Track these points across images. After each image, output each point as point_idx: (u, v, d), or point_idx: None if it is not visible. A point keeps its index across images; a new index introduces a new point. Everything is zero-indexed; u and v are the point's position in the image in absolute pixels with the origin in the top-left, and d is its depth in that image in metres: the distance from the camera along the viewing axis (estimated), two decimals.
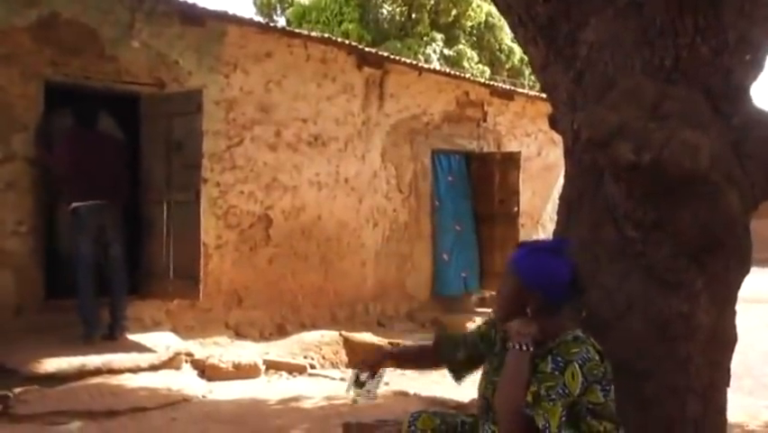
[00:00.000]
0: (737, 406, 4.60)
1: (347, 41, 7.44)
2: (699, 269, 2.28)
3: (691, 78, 2.36)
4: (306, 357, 6.04)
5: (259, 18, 15.07)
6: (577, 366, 1.86)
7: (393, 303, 7.68)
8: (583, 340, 1.95)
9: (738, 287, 2.42)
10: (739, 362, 6.09)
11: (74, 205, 5.02)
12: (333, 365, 6.23)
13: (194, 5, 5.72)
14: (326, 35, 7.58)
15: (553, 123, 3.04)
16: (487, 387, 2.07)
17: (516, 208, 8.31)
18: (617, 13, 2.55)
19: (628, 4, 2.52)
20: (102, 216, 5.08)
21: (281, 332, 6.57)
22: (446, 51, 19.14)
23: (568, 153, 2.76)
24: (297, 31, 7.29)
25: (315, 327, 6.74)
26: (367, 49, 7.84)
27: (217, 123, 6.12)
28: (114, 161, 5.19)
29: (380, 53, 7.78)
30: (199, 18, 5.85)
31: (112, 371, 4.74)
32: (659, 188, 2.20)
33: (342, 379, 5.52)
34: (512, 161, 8.51)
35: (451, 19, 19.49)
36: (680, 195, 2.21)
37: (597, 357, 1.91)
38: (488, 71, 18.80)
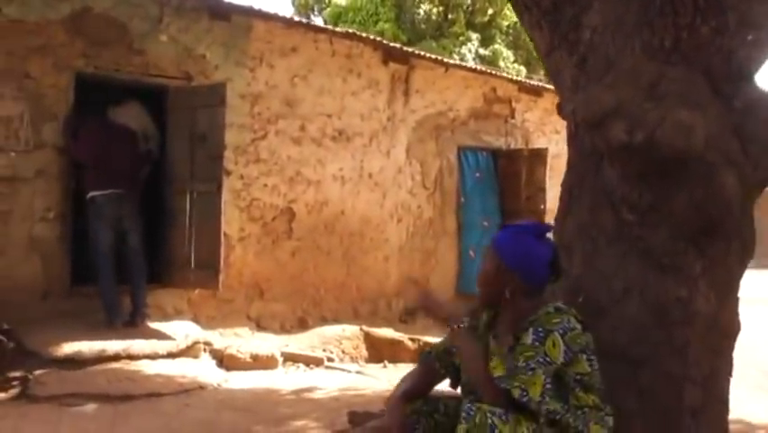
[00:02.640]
0: (765, 406, 4.47)
1: (372, 37, 7.45)
2: (698, 252, 2.23)
3: (691, 58, 2.30)
4: (325, 351, 6.08)
5: (297, 17, 15.27)
6: (558, 335, 1.87)
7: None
8: (565, 311, 1.97)
9: (741, 273, 2.35)
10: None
11: (91, 194, 5.15)
12: (353, 360, 6.25)
13: (220, 0, 5.81)
14: (351, 30, 7.59)
15: (560, 109, 3.01)
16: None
17: (542, 205, 8.19)
18: None
19: None
20: (119, 205, 5.20)
21: (302, 325, 6.61)
22: (482, 51, 19.02)
23: (570, 139, 2.72)
24: (322, 26, 7.33)
25: (336, 321, 6.77)
26: (392, 44, 7.83)
27: (242, 116, 6.20)
28: (132, 152, 5.30)
29: (405, 49, 7.78)
30: (226, 13, 5.95)
31: (130, 356, 4.83)
32: (653, 168, 2.15)
33: (359, 372, 5.54)
34: (539, 157, 8.40)
35: (487, 18, 19.38)
36: (675, 176, 2.16)
37: (578, 327, 1.92)
38: (524, 70, 18.62)
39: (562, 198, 2.68)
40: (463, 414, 1.84)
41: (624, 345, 2.22)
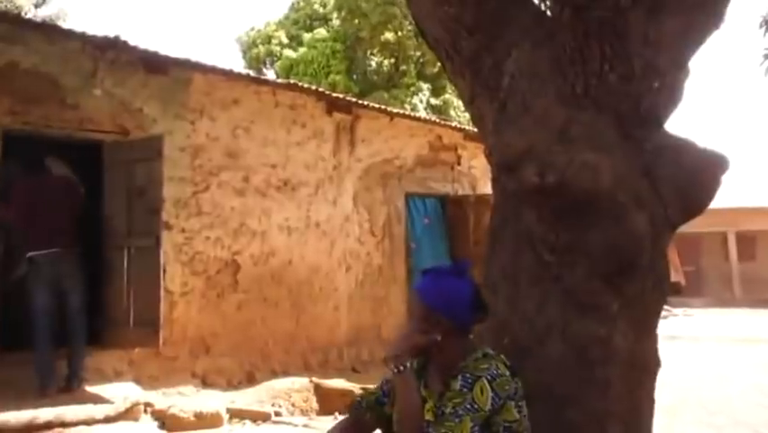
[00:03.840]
0: None
1: (315, 87, 7.55)
2: (615, 292, 2.26)
3: (602, 104, 2.39)
4: (274, 405, 5.93)
5: (248, 71, 15.36)
6: (486, 381, 1.86)
7: (368, 348, 7.57)
8: (492, 357, 1.97)
9: (658, 310, 2.39)
10: (715, 398, 6.04)
11: (30, 254, 4.98)
12: (304, 412, 6.11)
13: (157, 54, 5.83)
14: (293, 81, 7.68)
15: (487, 154, 3.07)
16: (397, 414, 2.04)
17: None
18: (534, 44, 2.61)
19: (544, 36, 2.58)
20: (59, 264, 5.04)
21: (251, 380, 6.45)
22: (433, 101, 19.47)
23: (494, 182, 2.77)
24: (264, 78, 7.40)
25: (286, 373, 6.63)
26: (335, 95, 7.94)
27: (182, 169, 6.15)
28: (69, 208, 5.18)
29: (349, 99, 7.90)
30: (163, 66, 5.95)
31: (64, 424, 4.61)
32: (567, 209, 2.20)
33: (306, 425, 5.40)
34: (486, 203, 8.50)
35: (437, 69, 19.88)
36: (588, 216, 2.20)
37: (507, 373, 1.93)
38: None
39: (488, 241, 2.72)
40: None
41: (548, 384, 2.22)
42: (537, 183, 2.16)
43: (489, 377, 1.87)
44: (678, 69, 2.44)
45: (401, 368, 1.92)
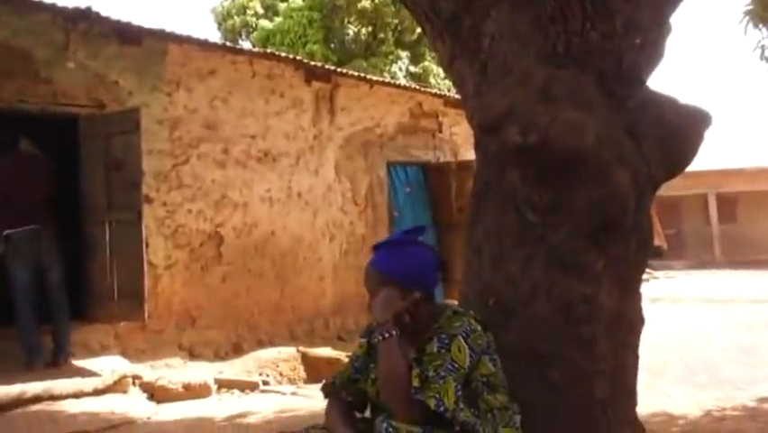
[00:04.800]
0: (688, 399, 4.65)
1: (292, 56, 7.45)
2: (599, 250, 2.28)
3: (583, 62, 2.38)
4: (261, 374, 5.97)
5: (224, 42, 15.08)
6: (461, 339, 1.87)
7: (354, 317, 7.61)
8: (463, 313, 1.98)
9: (642, 269, 2.42)
10: (697, 358, 6.18)
11: (6, 232, 4.91)
12: (291, 381, 6.16)
13: (130, 25, 5.69)
14: (270, 51, 7.57)
15: (468, 118, 3.06)
16: (373, 387, 2.03)
17: None
18: (513, 4, 2.58)
19: None
20: (36, 241, 4.98)
21: (237, 351, 6.47)
22: (412, 69, 19.31)
23: (476, 145, 2.76)
24: (240, 47, 7.28)
25: (272, 344, 6.66)
26: (313, 63, 7.84)
27: (161, 142, 6.07)
28: (43, 184, 5.10)
29: (328, 67, 7.80)
30: (137, 37, 5.82)
31: (53, 397, 4.60)
32: (550, 169, 2.21)
33: (294, 393, 5.45)
34: (468, 169, 8.50)
35: (415, 37, 19.68)
36: (572, 175, 2.21)
37: (479, 327, 1.93)
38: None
39: (471, 204, 2.72)
40: None
41: (534, 344, 2.25)
42: (520, 143, 2.16)
43: (463, 334, 1.88)
44: (659, 26, 2.44)
45: (386, 335, 1.89)
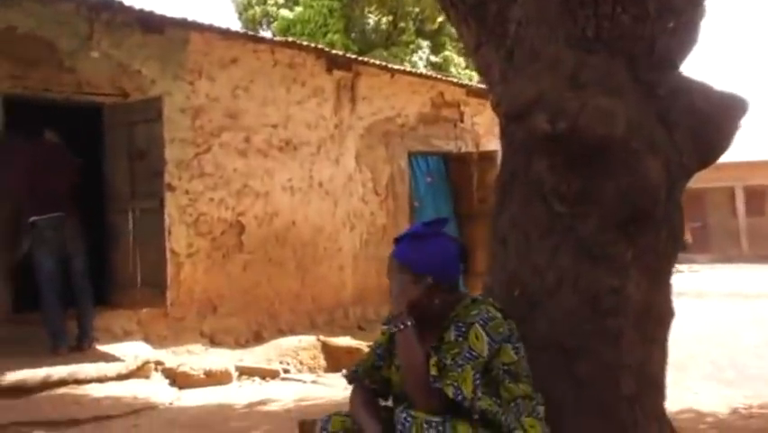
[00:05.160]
0: (715, 396, 4.56)
1: (313, 45, 7.41)
2: (628, 241, 2.23)
3: (614, 47, 2.31)
4: (281, 363, 5.98)
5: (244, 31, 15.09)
6: (479, 327, 1.85)
7: (374, 306, 7.60)
8: (481, 301, 1.95)
9: (672, 261, 2.36)
10: (724, 354, 6.05)
11: (32, 219, 4.97)
12: (311, 370, 6.16)
13: (153, 14, 5.70)
14: (291, 39, 7.55)
15: (494, 105, 3.01)
16: (397, 375, 2.02)
17: None
18: None
19: None
20: (61, 229, 5.03)
21: (258, 339, 6.50)
22: (433, 58, 19.17)
23: (502, 134, 2.72)
24: (261, 36, 7.26)
25: (293, 332, 6.68)
26: (335, 51, 7.81)
27: (183, 130, 6.09)
28: (67, 173, 5.14)
29: (349, 56, 7.76)
30: (159, 26, 5.84)
31: (77, 381, 4.69)
32: (579, 157, 2.15)
33: (314, 382, 5.46)
34: (490, 159, 8.46)
35: (436, 26, 19.53)
36: (601, 164, 2.16)
37: (498, 315, 1.90)
38: (476, 76, 18.82)
39: (496, 193, 2.68)
40: (399, 426, 1.79)
41: (559, 336, 2.21)
42: (548, 131, 2.10)
43: (481, 322, 1.85)
44: (694, 9, 2.36)
45: (401, 326, 1.89)
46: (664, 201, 2.19)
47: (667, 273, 2.37)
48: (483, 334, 1.84)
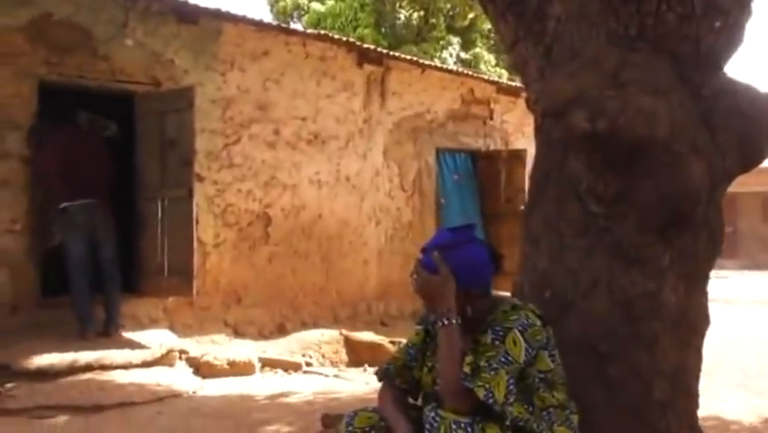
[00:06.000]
0: (743, 404, 4.46)
1: (345, 38, 7.39)
2: (666, 244, 2.18)
3: (658, 45, 2.26)
4: (304, 356, 5.99)
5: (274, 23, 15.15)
6: (517, 333, 1.81)
7: (397, 302, 7.58)
8: (521, 307, 1.91)
9: (710, 266, 2.30)
10: (754, 362, 5.89)
11: (63, 204, 5.03)
12: (333, 364, 6.17)
13: (187, 3, 5.73)
14: (324, 32, 7.54)
15: (529, 102, 2.96)
16: (428, 376, 2.00)
17: (522, 206, 8.15)
18: None
19: None
20: (92, 215, 5.09)
21: (281, 331, 6.52)
22: (463, 55, 19.05)
23: (537, 131, 2.67)
24: (294, 28, 7.27)
25: (316, 325, 6.68)
26: (366, 46, 7.78)
27: (214, 121, 6.12)
28: (100, 159, 5.20)
29: (380, 50, 7.73)
30: (194, 16, 5.86)
31: (103, 367, 4.73)
32: (618, 157, 2.10)
33: (336, 376, 5.46)
34: (518, 158, 8.39)
35: (467, 22, 19.40)
36: (641, 165, 2.11)
37: (538, 322, 1.86)
38: (506, 74, 18.66)
39: (529, 192, 2.64)
40: (427, 425, 1.77)
41: (591, 339, 2.17)
42: (587, 130, 2.06)
43: (520, 328, 1.82)
44: (741, 9, 2.29)
45: (445, 321, 1.86)
46: (705, 204, 2.13)
47: (704, 278, 2.31)
48: (521, 340, 1.80)
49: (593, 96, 2.09)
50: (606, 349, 2.17)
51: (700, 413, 2.39)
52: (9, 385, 4.33)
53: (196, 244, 5.51)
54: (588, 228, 2.26)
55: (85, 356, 4.71)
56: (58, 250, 5.24)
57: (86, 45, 5.40)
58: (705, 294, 2.30)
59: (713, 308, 2.40)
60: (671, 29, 2.25)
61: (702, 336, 2.28)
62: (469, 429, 1.72)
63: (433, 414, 1.78)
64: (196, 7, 5.83)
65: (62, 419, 4.01)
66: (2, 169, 5.07)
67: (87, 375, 4.59)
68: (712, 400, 4.39)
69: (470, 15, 19.07)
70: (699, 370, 2.28)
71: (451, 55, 18.48)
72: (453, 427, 1.72)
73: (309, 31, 7.17)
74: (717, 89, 2.29)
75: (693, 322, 2.25)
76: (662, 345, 2.16)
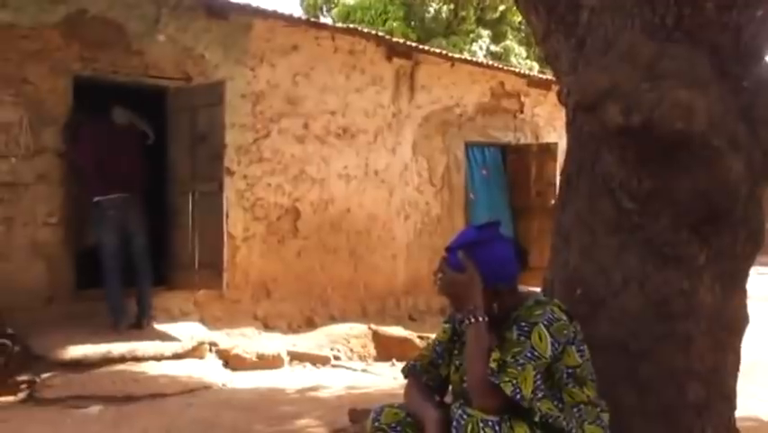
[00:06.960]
0: None
1: (374, 32, 7.36)
2: (702, 242, 2.11)
3: (696, 36, 2.19)
4: (332, 350, 6.01)
5: (305, 17, 15.19)
6: (543, 327, 1.78)
7: (425, 297, 7.55)
8: (545, 302, 1.88)
9: (749, 265, 2.23)
10: None
11: (96, 198, 5.12)
12: (361, 358, 6.17)
13: None
14: (353, 26, 7.52)
15: (560, 96, 2.91)
16: (456, 374, 1.98)
17: (553, 201, 8.06)
18: None
19: None
20: (124, 208, 5.17)
21: (310, 324, 6.55)
22: (493, 48, 18.87)
23: (569, 125, 2.62)
24: (323, 23, 7.26)
25: (344, 320, 6.69)
26: (395, 39, 7.74)
27: (244, 116, 6.15)
28: (134, 154, 5.27)
29: (409, 44, 7.68)
30: (224, 11, 5.90)
31: (136, 358, 4.82)
32: (653, 152, 2.05)
33: (365, 370, 5.47)
34: (549, 152, 8.27)
35: (497, 15, 19.20)
36: (677, 161, 2.04)
37: (564, 317, 1.82)
38: (536, 66, 18.44)
39: (560, 187, 2.59)
40: (454, 423, 1.75)
41: (623, 338, 2.12)
42: (621, 124, 2.01)
43: (545, 322, 1.79)
44: None
45: (472, 319, 1.84)
46: (744, 201, 2.06)
47: (743, 277, 2.24)
48: (547, 335, 1.77)
49: (627, 89, 2.03)
50: (637, 349, 2.12)
51: (737, 414, 2.32)
52: (45, 375, 4.44)
53: (226, 238, 5.56)
54: (620, 225, 2.21)
55: (118, 348, 4.81)
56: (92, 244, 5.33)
57: (119, 41, 5.48)
58: (744, 293, 2.24)
59: (751, 306, 2.33)
60: (709, 19, 2.18)
61: (740, 336, 2.22)
62: (497, 428, 1.69)
63: (460, 411, 1.76)
64: (226, 2, 5.88)
65: (95, 408, 4.11)
66: (39, 163, 5.18)
67: (120, 366, 4.68)
68: (750, 400, 4.28)
69: (501, 8, 18.87)
70: (736, 371, 2.22)
71: (481, 48, 18.31)
72: (481, 425, 1.70)
73: (338, 25, 7.15)
74: (758, 82, 2.21)
75: (731, 322, 2.18)
76: (696, 345, 2.10)
